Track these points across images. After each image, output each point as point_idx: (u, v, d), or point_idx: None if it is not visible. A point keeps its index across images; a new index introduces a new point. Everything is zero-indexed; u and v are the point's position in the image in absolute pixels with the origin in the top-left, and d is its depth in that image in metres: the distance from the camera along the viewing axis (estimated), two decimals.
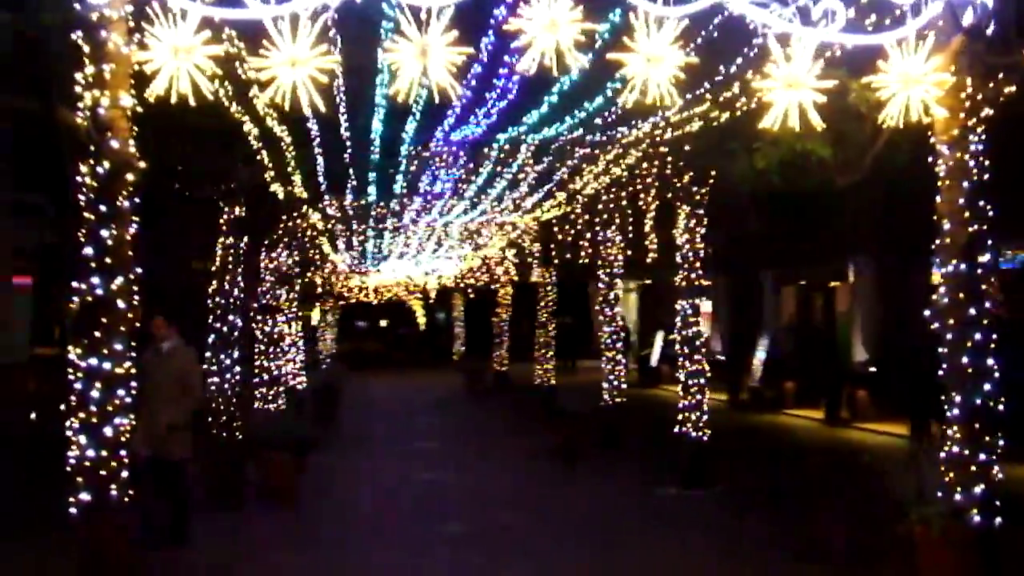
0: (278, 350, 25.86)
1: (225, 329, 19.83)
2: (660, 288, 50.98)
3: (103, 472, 10.53)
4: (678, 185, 20.49)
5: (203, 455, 19.68)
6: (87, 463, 10.52)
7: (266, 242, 25.55)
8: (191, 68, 10.03)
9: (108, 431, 10.55)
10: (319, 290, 50.54)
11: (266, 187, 21.22)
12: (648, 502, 19.70)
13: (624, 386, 26.34)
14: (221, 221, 20.06)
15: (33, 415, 25.28)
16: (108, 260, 10.67)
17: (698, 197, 20.26)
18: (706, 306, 53.72)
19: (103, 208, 10.71)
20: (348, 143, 19.87)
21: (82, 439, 10.52)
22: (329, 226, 29.06)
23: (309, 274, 33.21)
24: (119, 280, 10.71)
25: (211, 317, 19.92)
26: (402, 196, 24.74)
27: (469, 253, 42.12)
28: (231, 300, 19.87)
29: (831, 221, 33.50)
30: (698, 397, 20.35)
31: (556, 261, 34.46)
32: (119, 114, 10.80)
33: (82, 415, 10.54)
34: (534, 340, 36.77)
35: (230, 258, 19.86)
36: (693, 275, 20.47)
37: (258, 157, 19.42)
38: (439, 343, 68.81)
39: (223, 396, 19.69)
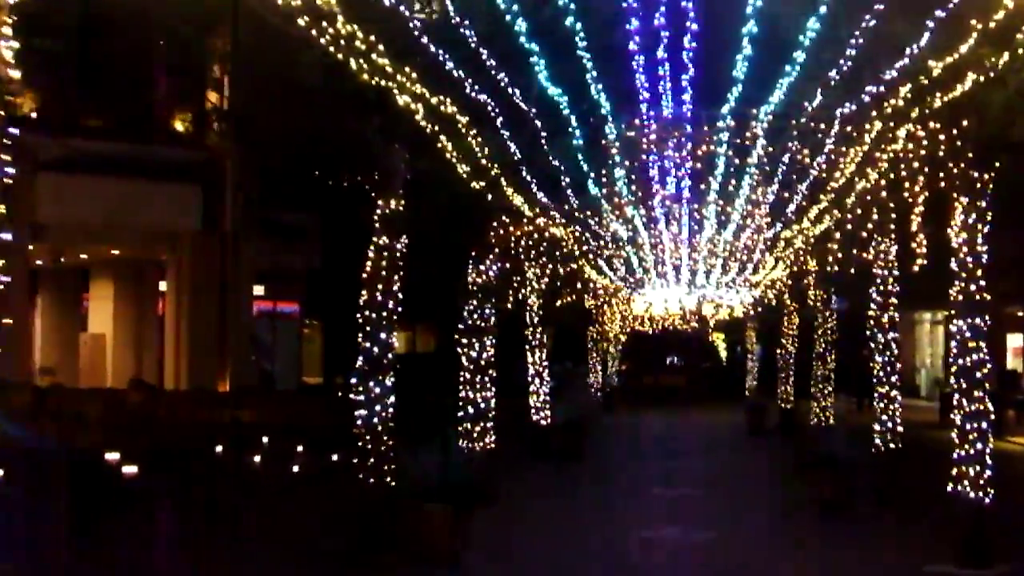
0: (485, 379, 21.67)
1: (376, 350, 15.80)
2: None
3: None
4: (953, 170, 15.31)
5: (343, 507, 16.06)
6: None
7: (472, 253, 21.54)
8: None
9: None
10: (591, 313, 45.88)
11: (439, 176, 17.29)
12: None
13: (901, 429, 21.15)
14: (375, 217, 16.10)
15: (219, 448, 22.09)
16: None
17: (979, 184, 15.04)
18: (1015, 340, 47.16)
19: None
20: (535, 120, 15.90)
21: None
22: (560, 234, 24.75)
23: (526, 290, 28.61)
24: None
25: (360, 335, 15.95)
26: (635, 194, 20.36)
27: (748, 278, 37.33)
28: (384, 314, 15.85)
29: None
30: (978, 446, 15.11)
31: (831, 282, 29.27)
32: None
33: None
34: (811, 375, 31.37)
35: (383, 262, 15.84)
36: (973, 287, 15.24)
37: (432, 138, 15.60)
38: (737, 378, 63.01)
39: (372, 434, 15.68)
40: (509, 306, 26.11)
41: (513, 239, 23.02)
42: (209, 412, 27.59)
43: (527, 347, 29.67)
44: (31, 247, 30.31)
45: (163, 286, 36.67)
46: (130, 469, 18.55)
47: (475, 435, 21.43)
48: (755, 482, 25.92)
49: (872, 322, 21.21)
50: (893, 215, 19.22)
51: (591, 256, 28.72)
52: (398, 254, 15.92)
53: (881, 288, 20.91)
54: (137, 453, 19.21)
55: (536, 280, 27.91)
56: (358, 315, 15.95)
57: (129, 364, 36.91)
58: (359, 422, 15.71)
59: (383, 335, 15.77)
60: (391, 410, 15.87)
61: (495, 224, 21.44)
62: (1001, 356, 47.43)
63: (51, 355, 38.56)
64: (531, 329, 29.39)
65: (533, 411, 29.62)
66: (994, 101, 13.44)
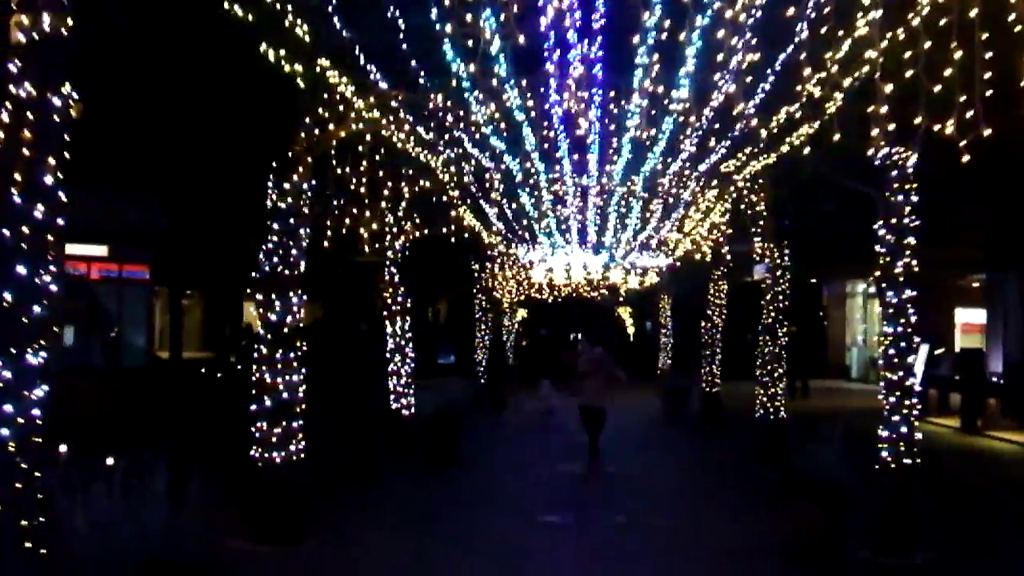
0: (286, 356, 13.76)
1: (7, 298, 8.02)
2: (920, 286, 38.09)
3: None
4: None
5: None
6: None
7: (274, 163, 13.70)
8: None
9: None
10: (478, 278, 37.01)
11: None
12: None
13: (919, 436, 13.63)
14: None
15: None
16: None
17: None
18: (973, 315, 40.21)
19: None
20: None
21: None
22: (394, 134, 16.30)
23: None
24: None
25: None
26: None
27: (668, 235, 29.97)
28: (25, 230, 8.04)
29: None
30: None
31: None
32: None
33: None
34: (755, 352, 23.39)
35: (24, 132, 8.04)
36: None
37: None
38: (645, 356, 54.99)
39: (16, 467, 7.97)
40: (327, 244, 18.08)
41: (335, 145, 15.16)
42: None
43: (385, 314, 21.98)
44: None
45: None
46: None
47: (273, 440, 13.58)
48: (683, 503, 18.53)
49: (881, 273, 13.71)
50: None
51: (453, 175, 20.25)
52: (56, 118, 8.12)
53: (895, 221, 13.49)
54: None
55: (381, 208, 19.98)
56: None
57: None
58: None
59: (23, 268, 7.98)
60: (38, 412, 8.13)
61: (306, 120, 13.60)
62: (949, 334, 40.48)
63: None
64: (390, 290, 21.67)
65: (392, 398, 21.97)
66: None
